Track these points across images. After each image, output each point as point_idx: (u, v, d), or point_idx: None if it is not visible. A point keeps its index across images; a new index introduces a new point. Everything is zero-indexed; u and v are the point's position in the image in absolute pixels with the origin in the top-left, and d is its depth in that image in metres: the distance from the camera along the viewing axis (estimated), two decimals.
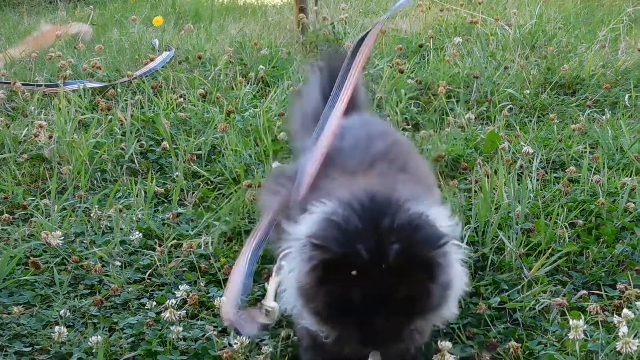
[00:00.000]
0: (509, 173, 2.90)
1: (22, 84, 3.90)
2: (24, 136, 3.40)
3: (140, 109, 3.63)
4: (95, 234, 2.68)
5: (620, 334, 1.85)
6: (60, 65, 4.16)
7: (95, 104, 3.69)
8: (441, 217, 1.84)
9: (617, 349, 1.84)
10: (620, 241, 2.60)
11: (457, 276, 1.85)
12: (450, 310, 1.87)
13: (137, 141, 3.34)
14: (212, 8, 6.66)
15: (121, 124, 3.44)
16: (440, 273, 1.76)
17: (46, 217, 2.73)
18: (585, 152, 3.17)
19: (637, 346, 1.83)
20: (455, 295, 1.85)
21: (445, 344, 1.92)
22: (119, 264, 2.49)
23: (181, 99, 3.75)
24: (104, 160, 3.20)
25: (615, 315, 1.98)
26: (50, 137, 3.28)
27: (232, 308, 1.98)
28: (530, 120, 3.69)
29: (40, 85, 3.93)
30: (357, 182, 1.96)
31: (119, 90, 3.86)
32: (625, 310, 1.92)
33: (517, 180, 2.85)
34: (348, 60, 2.36)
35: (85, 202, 2.89)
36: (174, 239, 2.61)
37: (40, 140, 3.30)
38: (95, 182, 3.11)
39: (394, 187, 1.89)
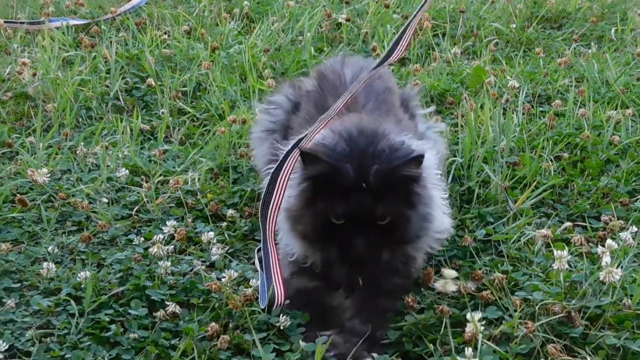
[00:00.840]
0: (495, 107, 2.90)
1: (5, 22, 3.85)
2: (8, 74, 3.37)
3: (125, 46, 3.60)
4: (82, 171, 2.68)
5: (603, 263, 1.86)
6: (43, 2, 4.12)
7: (79, 42, 3.65)
8: (422, 147, 1.96)
9: (601, 279, 1.86)
10: (605, 174, 2.62)
11: (437, 209, 1.93)
12: (432, 243, 1.95)
13: (122, 78, 3.32)
14: None
15: (105, 62, 3.42)
16: (418, 202, 1.90)
17: (32, 155, 2.73)
18: (571, 85, 3.17)
19: (620, 275, 1.85)
20: (436, 229, 1.93)
21: (449, 272, 1.94)
22: (106, 200, 2.49)
23: (165, 36, 3.72)
24: (89, 98, 3.18)
25: (599, 246, 2.00)
26: (34, 74, 3.25)
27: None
28: (517, 55, 3.68)
29: (23, 23, 3.89)
30: (349, 117, 2.05)
31: (102, 27, 3.82)
32: (608, 241, 1.93)
33: (503, 114, 2.86)
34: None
35: (71, 140, 2.88)
36: (160, 175, 2.61)
37: (24, 78, 3.28)
38: (80, 119, 3.09)
39: (381, 122, 2.01)
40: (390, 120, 2.14)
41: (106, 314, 1.93)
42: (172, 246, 2.22)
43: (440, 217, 2.00)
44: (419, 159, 1.87)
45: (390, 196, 1.85)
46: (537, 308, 1.89)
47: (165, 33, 3.76)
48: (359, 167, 1.85)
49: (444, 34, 3.88)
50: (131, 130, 2.91)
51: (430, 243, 2.02)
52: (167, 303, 1.96)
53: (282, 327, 1.88)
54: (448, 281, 1.90)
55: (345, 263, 1.89)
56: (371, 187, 1.84)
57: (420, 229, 1.93)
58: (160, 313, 1.93)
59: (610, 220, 2.30)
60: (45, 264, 2.09)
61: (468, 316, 1.80)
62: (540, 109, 3.10)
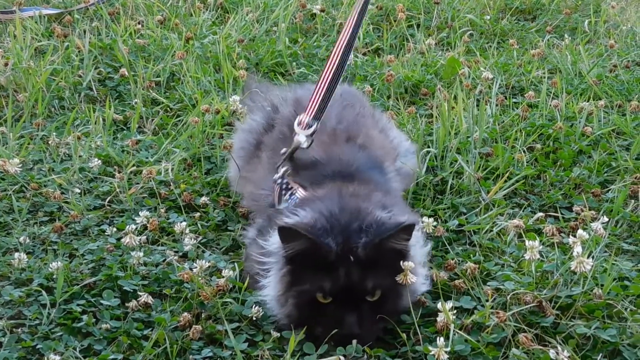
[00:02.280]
0: (469, 98, 2.91)
1: None
2: None
3: (98, 36, 3.58)
4: (54, 161, 2.66)
5: (574, 253, 1.88)
6: None
7: (51, 31, 3.62)
8: (411, 219, 1.91)
9: (572, 269, 1.87)
10: (577, 164, 2.64)
11: (421, 285, 1.92)
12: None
13: (95, 68, 3.30)
14: None
15: (78, 51, 3.39)
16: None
17: (3, 145, 2.71)
18: (544, 77, 3.18)
19: (591, 265, 1.86)
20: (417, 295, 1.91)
21: (408, 263, 1.93)
22: (79, 191, 2.48)
23: (139, 26, 3.70)
24: (61, 88, 3.16)
25: (570, 236, 2.01)
26: (6, 64, 3.22)
27: None
28: (490, 46, 3.70)
29: None
30: (330, 191, 2.00)
31: (75, 16, 3.79)
32: (580, 231, 1.94)
33: (476, 105, 2.87)
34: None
35: (43, 130, 2.86)
36: (133, 165, 2.59)
37: None
38: (52, 109, 3.07)
39: (363, 199, 1.95)
40: (373, 190, 2.05)
41: (78, 305, 1.93)
42: (145, 236, 2.21)
43: (422, 289, 1.94)
44: (409, 229, 1.80)
45: (379, 270, 1.79)
46: (508, 298, 1.91)
47: (138, 23, 3.74)
48: (344, 241, 1.79)
49: (418, 25, 3.89)
50: (104, 120, 2.89)
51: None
52: (139, 293, 1.95)
53: (254, 318, 1.88)
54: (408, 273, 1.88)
55: (334, 341, 1.79)
56: (360, 260, 1.78)
57: (409, 302, 1.86)
58: (132, 303, 1.92)
59: (582, 210, 2.31)
60: (16, 255, 2.08)
61: (439, 306, 1.81)
62: (514, 100, 3.11)
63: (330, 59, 2.23)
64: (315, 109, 2.18)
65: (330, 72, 2.20)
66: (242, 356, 1.77)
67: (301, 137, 2.14)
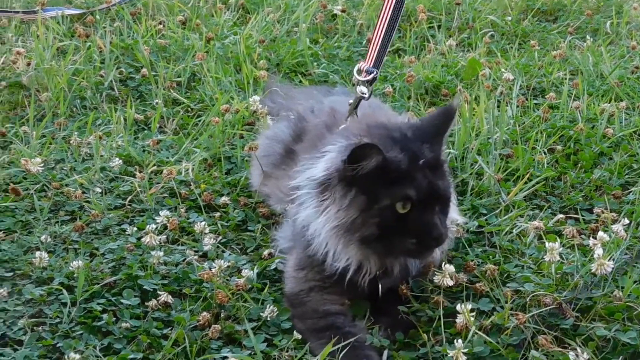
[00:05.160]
0: (489, 99, 2.90)
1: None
2: (2, 63, 3.36)
3: (119, 36, 3.59)
4: (75, 160, 2.68)
5: (595, 256, 1.87)
6: None
7: (73, 31, 3.64)
8: None
9: (593, 271, 1.87)
10: (598, 166, 2.62)
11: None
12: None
13: (117, 68, 3.31)
14: None
15: (100, 51, 3.41)
16: (448, 175, 1.97)
17: (25, 145, 2.72)
18: (566, 78, 3.17)
19: (612, 268, 1.85)
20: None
21: (449, 267, 1.94)
22: (100, 190, 2.49)
23: (160, 26, 3.71)
24: (83, 88, 3.17)
25: (591, 238, 2.00)
26: (29, 64, 3.25)
27: None
28: (512, 47, 3.68)
29: (18, 12, 3.87)
30: (356, 123, 2.05)
31: (97, 17, 3.81)
32: (600, 233, 1.94)
33: (497, 106, 2.86)
34: None
35: (65, 129, 2.87)
36: (154, 165, 2.61)
37: (18, 68, 3.27)
38: (74, 109, 3.08)
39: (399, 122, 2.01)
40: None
41: (98, 304, 1.94)
42: (165, 236, 2.22)
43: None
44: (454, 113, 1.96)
45: (441, 171, 1.89)
46: (528, 299, 1.90)
47: (160, 23, 3.75)
48: (413, 150, 1.85)
49: (439, 26, 3.88)
50: (125, 120, 2.91)
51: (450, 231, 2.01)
52: (159, 293, 1.96)
53: (269, 318, 1.89)
54: (447, 275, 1.90)
55: (430, 247, 1.87)
56: (430, 165, 1.85)
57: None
58: (152, 302, 1.93)
59: (603, 212, 2.30)
60: (37, 253, 2.09)
61: (459, 307, 1.81)
62: (535, 101, 3.10)
63: (384, 5, 2.23)
64: (374, 57, 2.20)
65: (386, 18, 2.21)
66: (261, 356, 1.77)
67: (362, 87, 2.17)
